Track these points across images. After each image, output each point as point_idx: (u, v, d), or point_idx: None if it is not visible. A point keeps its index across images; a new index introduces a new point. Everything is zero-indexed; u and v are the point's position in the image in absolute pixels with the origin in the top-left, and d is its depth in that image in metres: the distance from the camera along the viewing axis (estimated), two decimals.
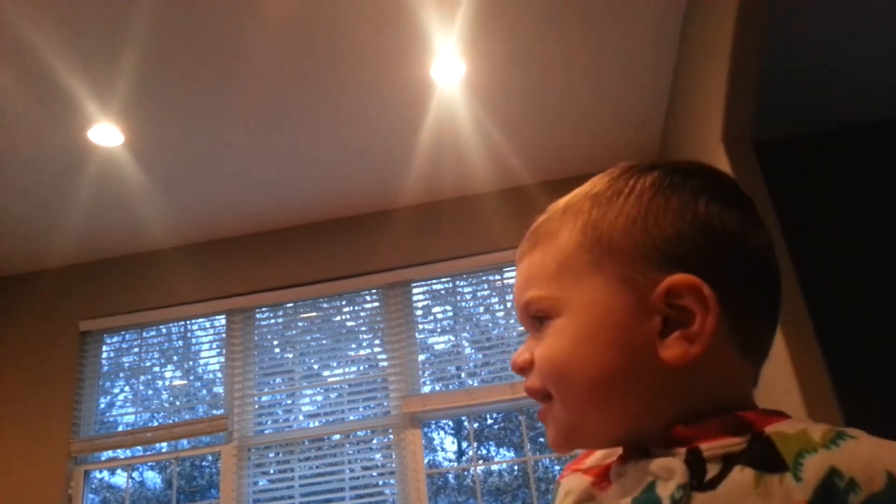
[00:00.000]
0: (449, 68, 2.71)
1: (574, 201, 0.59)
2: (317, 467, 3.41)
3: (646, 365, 0.51)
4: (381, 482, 3.37)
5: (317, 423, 3.52)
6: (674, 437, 0.51)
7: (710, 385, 0.52)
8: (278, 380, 3.62)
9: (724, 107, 2.25)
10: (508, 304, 3.54)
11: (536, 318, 0.57)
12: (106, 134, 2.88)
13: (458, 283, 3.61)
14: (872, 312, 2.78)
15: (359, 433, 3.45)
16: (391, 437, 3.38)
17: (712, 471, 0.48)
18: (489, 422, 3.82)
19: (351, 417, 3.47)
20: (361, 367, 3.58)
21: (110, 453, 3.60)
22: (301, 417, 3.54)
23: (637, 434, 0.53)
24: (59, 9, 2.26)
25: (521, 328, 3.47)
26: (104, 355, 3.76)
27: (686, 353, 0.51)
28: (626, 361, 0.52)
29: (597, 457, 0.60)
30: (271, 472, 3.45)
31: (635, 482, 0.51)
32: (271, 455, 3.48)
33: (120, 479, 3.76)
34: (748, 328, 0.54)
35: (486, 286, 3.60)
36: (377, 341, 3.57)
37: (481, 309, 3.61)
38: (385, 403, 3.43)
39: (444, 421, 4.36)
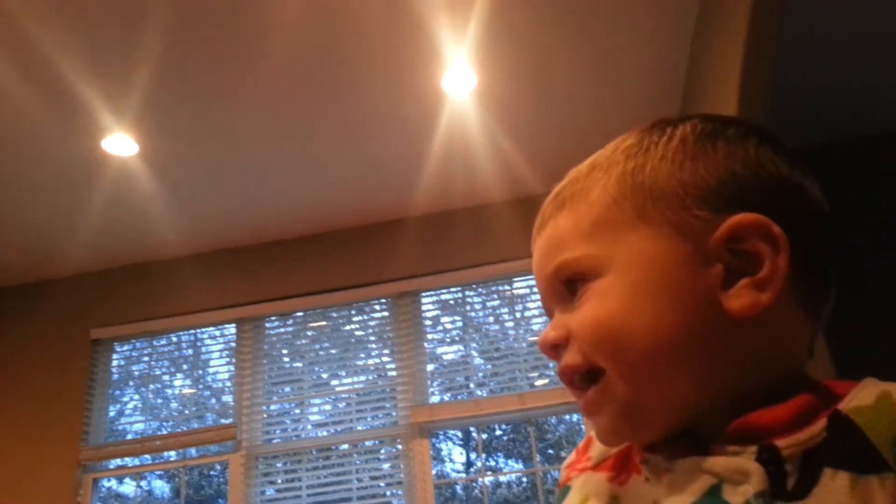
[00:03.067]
0: (460, 79, 2.72)
1: (602, 158, 0.53)
2: (324, 477, 3.40)
3: (709, 320, 0.45)
4: (388, 492, 3.36)
5: (325, 433, 3.51)
6: (740, 429, 0.43)
7: (779, 347, 0.46)
8: (287, 389, 3.62)
9: (736, 114, 2.25)
10: (518, 315, 3.54)
11: (569, 284, 0.50)
12: (120, 144, 2.90)
13: (467, 293, 3.61)
14: (878, 314, 2.77)
15: (367, 443, 3.44)
16: (399, 447, 3.37)
17: (791, 473, 0.41)
18: (498, 433, 3.81)
19: (359, 427, 3.47)
20: (370, 377, 3.58)
21: (119, 461, 3.61)
22: (309, 427, 3.54)
23: (699, 411, 0.46)
24: (75, 19, 2.29)
25: (532, 338, 3.47)
26: (114, 363, 3.77)
27: (756, 301, 0.44)
28: (688, 317, 0.45)
29: (600, 449, 0.53)
30: (279, 481, 3.45)
31: (691, 481, 0.43)
32: (279, 464, 3.48)
33: (128, 487, 3.77)
34: (813, 281, 0.48)
35: (495, 296, 3.60)
36: (386, 351, 3.57)
37: (491, 319, 3.61)
38: (393, 413, 3.42)
39: (453, 432, 4.35)
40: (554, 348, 0.50)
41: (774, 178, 0.48)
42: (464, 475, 4.41)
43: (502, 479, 3.90)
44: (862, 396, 0.42)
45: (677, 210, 0.47)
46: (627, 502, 0.48)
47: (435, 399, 3.48)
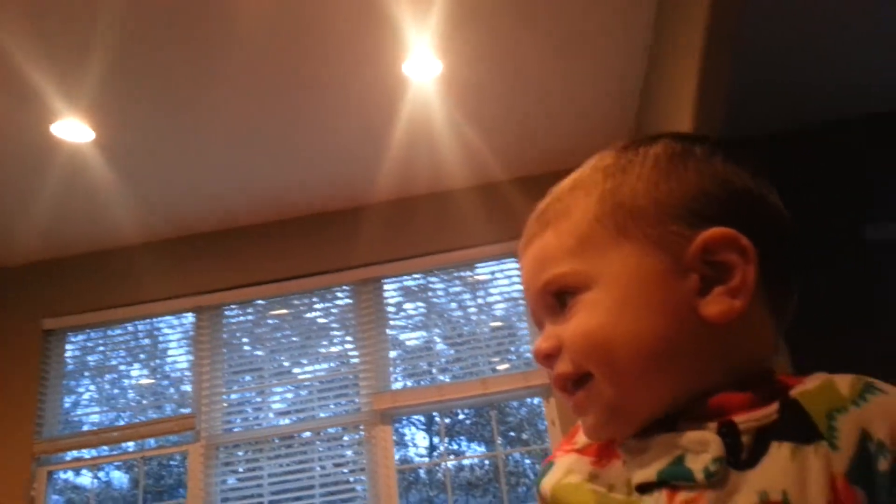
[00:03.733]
0: (423, 65, 2.70)
1: (582, 178, 0.57)
2: (287, 465, 3.39)
3: (689, 327, 0.49)
4: (351, 479, 3.36)
5: (287, 421, 3.49)
6: (705, 409, 0.49)
7: (749, 346, 0.51)
8: (248, 377, 3.58)
9: (694, 105, 2.28)
10: (480, 301, 3.55)
11: (558, 297, 0.54)
12: (72, 129, 2.81)
13: (430, 279, 3.61)
14: (835, 307, 2.85)
15: (329, 430, 3.43)
16: (362, 433, 3.37)
17: (746, 445, 0.46)
18: (461, 417, 3.84)
19: (322, 415, 3.45)
20: (332, 364, 3.56)
21: (75, 453, 3.53)
22: (271, 415, 3.51)
23: (676, 405, 0.50)
24: (26, 1, 2.20)
25: (495, 324, 3.49)
26: (68, 354, 3.69)
27: (730, 307, 0.49)
28: (669, 325, 0.49)
29: (577, 436, 0.58)
30: (240, 470, 3.42)
31: (660, 455, 0.49)
32: (240, 453, 3.45)
33: (85, 479, 3.69)
34: (779, 286, 0.53)
35: (458, 282, 3.61)
36: (349, 338, 3.55)
37: (453, 305, 3.62)
38: (356, 400, 3.42)
39: (416, 417, 4.37)
40: (547, 358, 0.54)
41: (741, 193, 0.52)
42: (427, 459, 4.44)
43: (465, 462, 3.94)
44: (809, 382, 0.49)
45: (655, 226, 0.51)
46: (605, 480, 0.52)
47: (398, 385, 3.49)
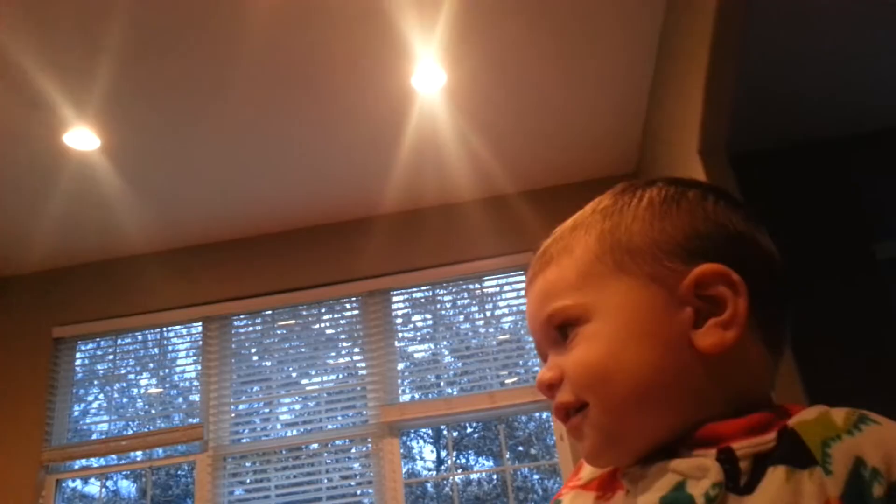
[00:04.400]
0: (429, 77, 2.71)
1: (582, 218, 0.60)
2: (294, 476, 3.37)
3: (684, 358, 0.52)
4: (359, 491, 3.34)
5: (294, 432, 3.48)
6: (703, 436, 0.50)
7: (744, 377, 0.53)
8: (256, 388, 3.58)
9: (701, 119, 2.27)
10: (488, 313, 3.54)
11: (560, 330, 0.57)
12: (82, 138, 2.84)
13: (437, 291, 3.60)
14: (844, 319, 2.82)
15: (337, 442, 3.42)
16: (370, 446, 3.35)
17: (745, 471, 0.48)
18: (468, 430, 3.81)
19: (329, 426, 3.45)
20: (340, 376, 3.56)
21: (83, 462, 3.54)
22: (279, 426, 3.51)
23: (673, 434, 0.52)
24: (35, 10, 2.23)
25: (503, 337, 3.47)
26: (78, 362, 3.70)
27: (722, 339, 0.52)
28: (665, 356, 0.52)
29: (590, 470, 0.60)
30: (247, 481, 3.42)
31: (661, 482, 0.50)
32: (248, 464, 3.44)
33: (93, 488, 3.70)
34: (771, 320, 0.55)
35: (465, 295, 3.60)
36: (356, 349, 3.54)
37: (461, 318, 3.60)
38: (364, 412, 3.40)
39: (424, 430, 4.34)
40: (549, 388, 0.57)
41: (731, 233, 0.56)
42: (434, 473, 4.41)
43: (473, 476, 3.90)
44: (807, 414, 0.51)
45: (651, 262, 0.55)
46: None
47: (405, 398, 3.47)
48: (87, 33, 2.34)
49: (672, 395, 0.52)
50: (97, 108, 2.69)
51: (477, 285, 3.57)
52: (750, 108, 2.52)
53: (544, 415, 3.50)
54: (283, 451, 3.44)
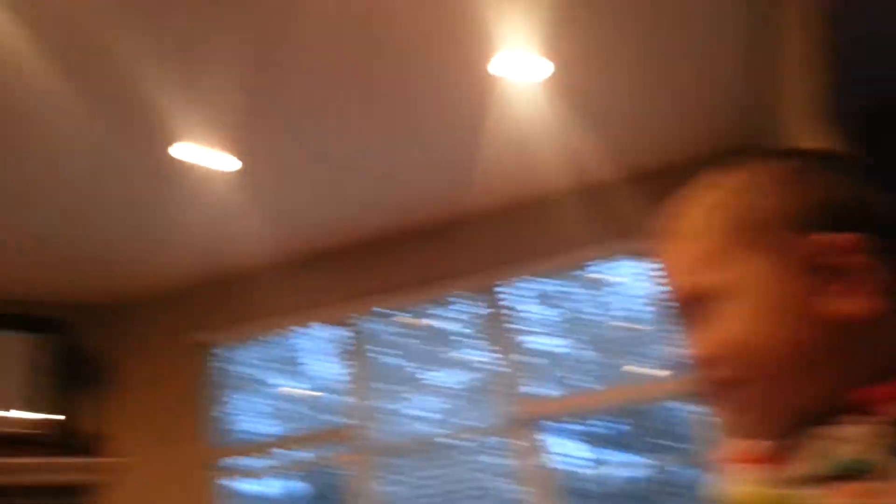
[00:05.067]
0: (531, 66, 2.66)
1: (709, 195, 0.61)
2: (443, 473, 3.43)
3: (828, 327, 0.53)
4: (505, 486, 3.34)
5: (439, 429, 3.55)
6: (854, 402, 0.51)
7: (887, 342, 0.53)
8: (395, 386, 3.68)
9: (811, 82, 2.10)
10: (616, 304, 3.44)
11: (698, 307, 0.58)
12: (213, 156, 2.96)
13: (563, 283, 3.56)
14: None
15: (482, 437, 3.45)
16: (515, 441, 3.36)
17: None
18: (610, 425, 3.71)
19: (471, 422, 3.49)
20: (475, 373, 3.59)
21: (243, 461, 3.79)
22: (424, 424, 3.59)
23: (824, 403, 0.53)
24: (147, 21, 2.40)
25: (632, 326, 3.35)
26: (229, 368, 3.95)
27: (862, 306, 0.52)
28: (810, 326, 0.53)
29: (745, 445, 0.60)
30: (398, 478, 3.51)
31: (826, 449, 0.50)
32: (398, 461, 3.54)
33: (252, 487, 3.96)
34: None
35: (591, 286, 3.52)
36: (490, 346, 3.55)
37: (592, 309, 3.53)
38: (503, 407, 3.42)
39: (565, 424, 4.29)
40: (704, 364, 0.58)
41: (856, 201, 0.56)
42: (579, 469, 4.33)
43: (616, 471, 3.79)
44: None
45: (784, 237, 0.56)
46: (777, 481, 0.55)
47: (544, 391, 3.46)
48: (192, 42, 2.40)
49: (820, 363, 0.53)
50: (226, 128, 2.81)
51: (595, 273, 3.48)
52: (871, 66, 2.28)
53: (689, 406, 3.34)
54: (432, 448, 3.51)
